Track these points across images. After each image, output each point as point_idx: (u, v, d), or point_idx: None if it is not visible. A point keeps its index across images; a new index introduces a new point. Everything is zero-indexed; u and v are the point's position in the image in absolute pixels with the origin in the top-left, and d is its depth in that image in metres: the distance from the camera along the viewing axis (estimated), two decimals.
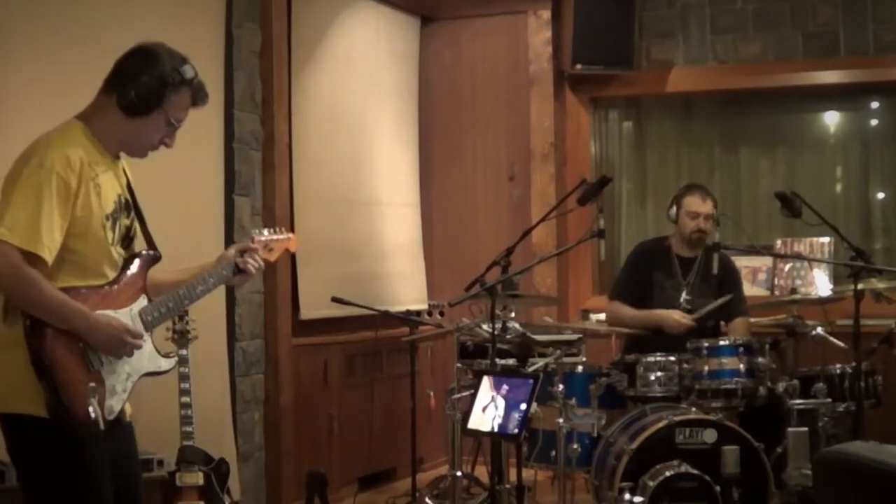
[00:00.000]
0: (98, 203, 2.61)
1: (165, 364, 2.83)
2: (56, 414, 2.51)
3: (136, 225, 2.80)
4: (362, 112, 5.82)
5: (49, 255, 2.51)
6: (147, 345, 2.75)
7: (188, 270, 2.89)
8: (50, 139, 2.59)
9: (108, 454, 2.63)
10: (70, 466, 2.56)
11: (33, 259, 2.49)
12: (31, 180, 2.52)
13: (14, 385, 2.54)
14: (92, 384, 2.56)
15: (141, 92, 2.63)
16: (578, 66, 6.13)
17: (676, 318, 4.81)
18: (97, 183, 2.61)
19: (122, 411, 2.70)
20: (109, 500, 2.62)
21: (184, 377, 3.95)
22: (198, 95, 2.73)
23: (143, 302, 2.75)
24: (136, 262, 2.77)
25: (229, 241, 4.76)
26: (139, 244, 2.83)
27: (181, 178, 4.28)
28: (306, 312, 5.28)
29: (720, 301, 4.83)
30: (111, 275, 2.68)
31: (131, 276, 2.74)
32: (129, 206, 2.76)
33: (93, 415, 2.54)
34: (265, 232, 3.14)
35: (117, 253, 2.71)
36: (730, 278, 5.03)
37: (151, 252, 2.81)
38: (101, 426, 2.56)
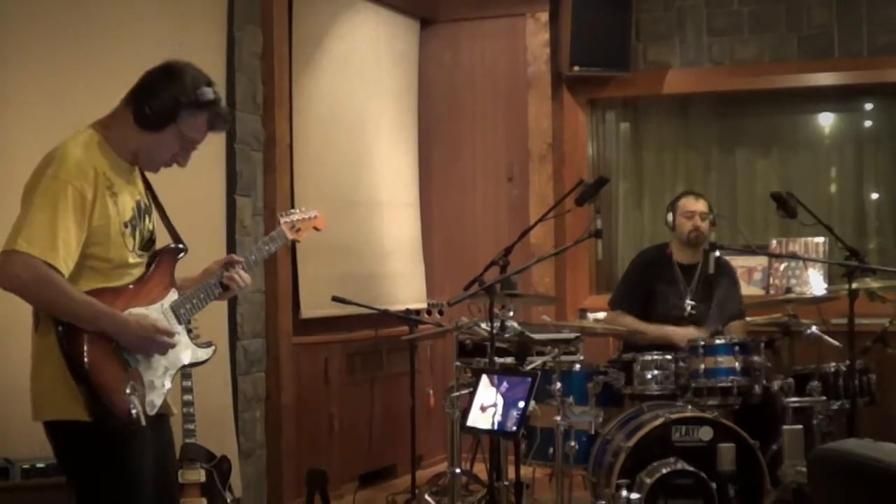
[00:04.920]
0: (116, 211, 2.61)
1: (203, 354, 2.83)
2: (97, 416, 2.53)
3: (156, 227, 2.80)
4: (362, 113, 5.85)
5: (66, 268, 2.52)
6: (182, 337, 2.75)
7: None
8: (65, 150, 2.59)
9: (149, 452, 2.65)
10: (113, 467, 2.58)
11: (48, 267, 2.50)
12: (47, 192, 2.52)
13: (54, 393, 2.55)
14: (130, 382, 2.58)
15: (155, 107, 2.63)
16: (576, 68, 6.16)
17: (693, 335, 4.74)
18: (113, 192, 2.61)
19: (164, 405, 2.72)
20: (150, 499, 2.64)
21: (186, 375, 3.97)
22: (216, 120, 2.73)
23: (173, 296, 2.76)
24: (164, 256, 2.77)
25: (231, 240, 4.79)
26: (162, 243, 2.82)
27: (183, 178, 4.25)
28: (307, 311, 5.30)
29: (733, 340, 4.80)
30: (133, 279, 2.68)
31: (160, 271, 2.75)
32: (150, 209, 2.76)
33: (134, 412, 2.56)
34: (292, 212, 3.14)
35: (138, 257, 2.70)
36: (730, 287, 5.06)
37: (178, 245, 2.81)
38: (143, 423, 2.58)
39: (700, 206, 4.99)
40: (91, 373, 2.51)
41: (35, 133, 3.65)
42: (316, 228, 3.22)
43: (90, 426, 2.53)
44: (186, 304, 2.76)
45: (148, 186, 2.81)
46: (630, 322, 4.94)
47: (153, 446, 2.68)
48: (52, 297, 2.50)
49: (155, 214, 2.82)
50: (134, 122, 2.65)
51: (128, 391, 2.56)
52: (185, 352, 2.76)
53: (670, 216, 5.03)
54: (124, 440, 2.57)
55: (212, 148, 4.69)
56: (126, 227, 2.65)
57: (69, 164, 2.55)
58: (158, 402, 2.67)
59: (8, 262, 2.49)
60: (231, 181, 4.83)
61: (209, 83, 2.71)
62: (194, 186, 4.47)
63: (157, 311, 2.69)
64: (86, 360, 2.51)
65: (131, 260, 2.67)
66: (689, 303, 4.93)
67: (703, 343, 4.57)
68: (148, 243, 2.75)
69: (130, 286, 2.66)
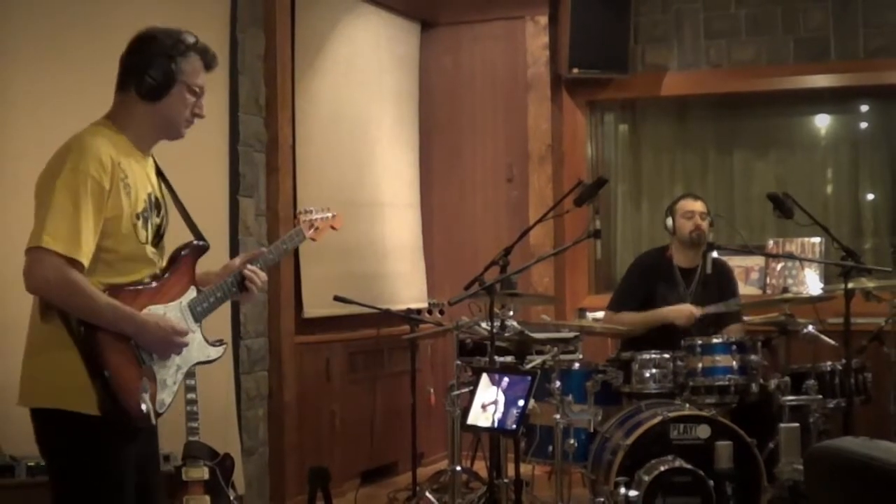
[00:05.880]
0: (128, 202, 2.60)
1: (214, 353, 2.82)
2: (109, 411, 2.52)
3: (167, 222, 2.77)
4: (364, 115, 5.87)
5: (87, 261, 2.52)
6: (196, 335, 2.75)
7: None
8: (82, 142, 2.59)
9: (133, 451, 2.63)
10: (103, 461, 2.57)
11: (72, 264, 2.50)
12: (67, 185, 2.51)
13: (51, 381, 2.55)
14: (144, 380, 2.58)
15: (155, 73, 2.63)
16: (575, 70, 6.19)
17: (689, 312, 4.83)
18: (127, 183, 2.60)
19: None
20: (132, 498, 2.63)
21: (189, 374, 3.85)
22: (206, 57, 2.72)
23: (192, 293, 2.75)
24: (187, 253, 2.76)
25: (234, 241, 4.82)
26: (174, 239, 2.80)
27: (187, 179, 4.18)
28: (309, 311, 5.33)
29: (731, 306, 4.86)
30: (144, 273, 2.67)
31: (182, 268, 2.74)
32: (160, 204, 2.74)
33: (144, 410, 2.56)
34: (311, 210, 3.13)
35: (150, 252, 2.69)
36: (729, 286, 5.10)
37: (200, 242, 2.79)
38: (153, 421, 2.59)
39: (699, 206, 5.02)
40: (108, 369, 2.51)
41: (40, 134, 3.65)
42: (333, 228, 3.19)
43: (91, 420, 2.52)
44: (204, 302, 2.76)
45: (164, 181, 2.80)
46: (627, 317, 4.96)
47: (141, 439, 2.67)
48: (77, 300, 2.50)
49: (167, 210, 2.79)
50: (142, 101, 2.66)
51: (140, 389, 2.56)
52: (198, 350, 2.76)
53: (670, 220, 5.06)
54: (125, 437, 2.57)
55: (215, 149, 4.74)
56: (138, 218, 2.64)
57: (88, 156, 2.54)
58: (168, 400, 2.66)
59: (36, 264, 2.49)
60: (234, 182, 4.86)
61: (180, 30, 2.71)
62: (197, 187, 4.44)
63: (176, 310, 2.69)
64: (104, 358, 2.51)
65: (145, 253, 2.67)
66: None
67: (700, 342, 4.60)
68: (157, 237, 2.73)
69: (152, 284, 2.66)
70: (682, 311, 4.87)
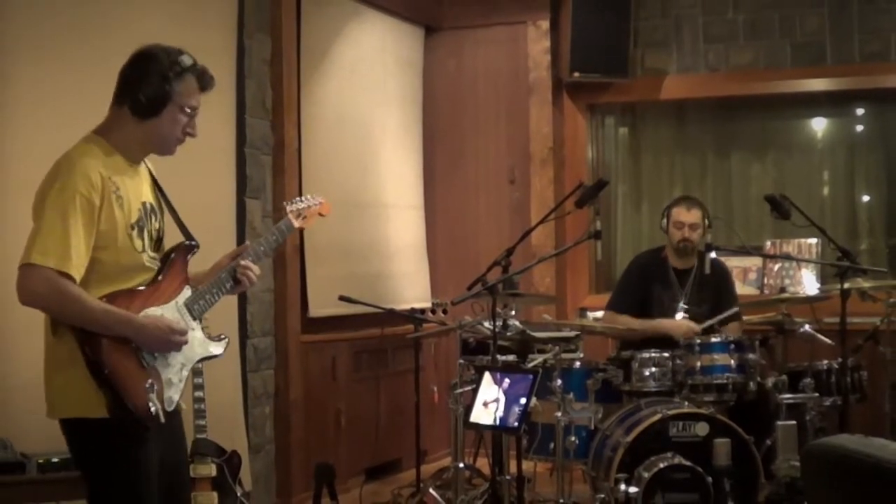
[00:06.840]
0: (122, 214, 2.64)
1: (216, 349, 2.86)
2: (118, 416, 2.57)
3: (164, 226, 2.82)
4: (369, 118, 5.91)
5: (78, 274, 2.56)
6: (197, 332, 2.78)
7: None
8: (71, 161, 2.62)
9: (161, 448, 2.69)
10: (125, 463, 2.62)
11: (63, 276, 2.53)
12: (56, 204, 2.56)
13: (70, 392, 2.60)
14: (149, 380, 2.62)
15: (149, 92, 2.66)
16: (576, 74, 6.23)
17: (687, 328, 4.83)
18: (119, 195, 2.64)
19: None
20: (155, 496, 2.67)
21: (197, 373, 4.02)
22: (202, 79, 2.74)
23: (187, 293, 2.78)
24: (177, 254, 2.78)
25: (241, 242, 4.80)
26: (172, 242, 2.85)
27: (195, 181, 4.25)
28: (315, 310, 5.37)
29: (727, 314, 4.88)
30: (142, 280, 2.70)
31: (173, 269, 2.77)
32: (156, 210, 2.79)
33: (153, 410, 2.61)
34: (297, 200, 3.16)
35: (149, 259, 2.73)
36: (725, 287, 5.12)
37: (190, 242, 2.82)
38: (162, 419, 2.63)
39: (691, 216, 4.98)
40: (113, 375, 2.56)
41: (40, 135, 3.68)
42: (321, 214, 3.19)
43: (107, 423, 2.58)
44: (200, 300, 2.79)
45: (157, 187, 2.83)
46: (626, 321, 4.99)
47: (166, 441, 2.72)
48: (71, 309, 2.55)
49: (163, 214, 2.83)
50: (133, 117, 2.69)
51: (147, 390, 2.61)
52: (200, 347, 2.80)
53: (664, 221, 5.08)
54: (140, 437, 2.61)
55: (223, 152, 4.75)
56: (133, 228, 2.67)
57: (75, 174, 2.58)
58: (176, 397, 2.71)
59: (26, 278, 2.54)
60: (241, 184, 4.90)
61: (180, 51, 2.73)
62: (205, 190, 4.52)
63: (172, 310, 2.72)
64: (107, 363, 2.56)
65: (142, 261, 2.70)
66: (683, 306, 4.98)
67: (699, 341, 4.64)
68: (156, 243, 2.78)
69: (145, 287, 2.69)
70: (681, 327, 4.87)
